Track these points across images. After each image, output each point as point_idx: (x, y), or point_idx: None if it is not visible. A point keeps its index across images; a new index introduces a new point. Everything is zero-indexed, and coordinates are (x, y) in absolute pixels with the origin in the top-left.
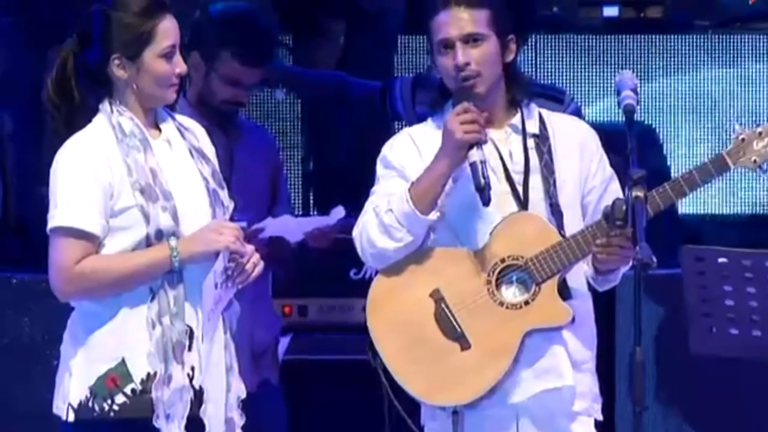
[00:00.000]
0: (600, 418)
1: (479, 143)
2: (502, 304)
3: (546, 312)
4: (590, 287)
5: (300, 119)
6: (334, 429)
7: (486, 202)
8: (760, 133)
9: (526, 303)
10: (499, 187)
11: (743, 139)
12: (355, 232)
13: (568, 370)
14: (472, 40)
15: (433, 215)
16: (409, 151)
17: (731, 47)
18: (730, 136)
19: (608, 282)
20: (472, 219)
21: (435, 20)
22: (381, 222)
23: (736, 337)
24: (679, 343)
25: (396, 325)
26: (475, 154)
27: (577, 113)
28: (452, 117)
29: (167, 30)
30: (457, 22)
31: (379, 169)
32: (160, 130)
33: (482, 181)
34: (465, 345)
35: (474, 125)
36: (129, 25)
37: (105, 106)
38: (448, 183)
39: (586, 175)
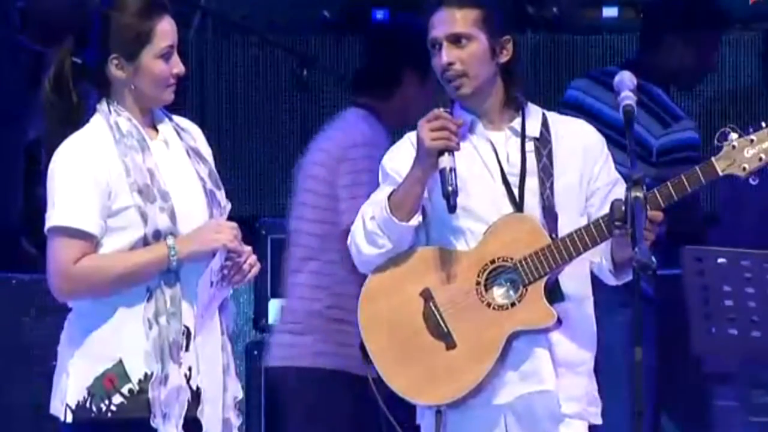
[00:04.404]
0: (598, 422)
1: (450, 150)
2: (489, 305)
3: (530, 314)
4: (601, 287)
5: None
6: None
7: (451, 209)
8: (752, 141)
9: (513, 305)
10: (494, 189)
11: (734, 147)
12: (349, 240)
13: (549, 375)
14: (457, 39)
15: (414, 221)
16: (410, 156)
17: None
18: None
19: (627, 274)
20: (466, 220)
21: (430, 21)
22: (365, 229)
23: (736, 337)
24: (678, 343)
25: (384, 322)
26: (444, 161)
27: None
28: (422, 123)
29: (165, 31)
30: (445, 22)
31: (380, 177)
32: (157, 131)
33: (449, 188)
34: (450, 344)
35: (443, 132)
36: (127, 25)
37: (103, 106)
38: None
39: (588, 178)
